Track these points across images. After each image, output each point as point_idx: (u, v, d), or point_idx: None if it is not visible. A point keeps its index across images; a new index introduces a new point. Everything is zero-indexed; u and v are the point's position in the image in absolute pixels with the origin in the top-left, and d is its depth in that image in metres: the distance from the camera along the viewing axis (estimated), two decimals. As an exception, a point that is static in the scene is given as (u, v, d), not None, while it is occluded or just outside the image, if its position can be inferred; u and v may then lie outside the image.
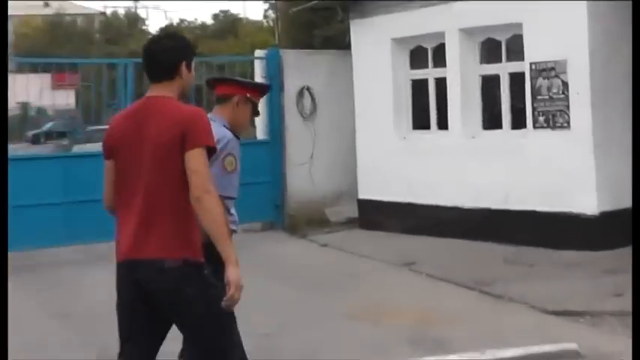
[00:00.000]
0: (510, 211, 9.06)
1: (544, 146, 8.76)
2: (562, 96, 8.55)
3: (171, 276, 3.37)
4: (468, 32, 9.54)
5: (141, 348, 3.48)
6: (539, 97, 8.77)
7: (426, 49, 10.23)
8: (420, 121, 10.50)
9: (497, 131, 9.47)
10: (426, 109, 10.31)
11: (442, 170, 9.77)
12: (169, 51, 3.57)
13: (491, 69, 9.54)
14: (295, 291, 7.50)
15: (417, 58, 10.48)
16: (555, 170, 8.61)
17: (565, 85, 8.50)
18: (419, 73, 10.41)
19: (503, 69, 9.33)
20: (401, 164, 10.24)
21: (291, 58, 11.62)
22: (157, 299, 3.40)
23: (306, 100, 11.59)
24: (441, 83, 9.94)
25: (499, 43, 9.36)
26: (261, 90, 4.23)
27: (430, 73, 10.20)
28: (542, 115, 8.76)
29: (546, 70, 8.65)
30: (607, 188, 8.43)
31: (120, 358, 3.51)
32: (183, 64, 3.59)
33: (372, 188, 10.55)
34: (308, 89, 11.62)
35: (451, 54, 9.65)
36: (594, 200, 8.40)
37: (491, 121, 9.77)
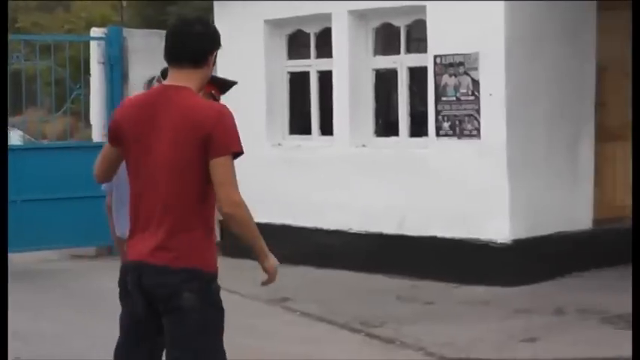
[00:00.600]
0: (407, 237, 9.27)
1: (449, 159, 9.00)
2: (472, 98, 8.84)
3: (177, 282, 3.82)
4: (359, 15, 9.73)
5: (132, 353, 4.00)
6: (444, 99, 9.03)
7: (307, 35, 10.37)
8: (300, 125, 10.61)
9: (393, 139, 9.69)
10: (306, 109, 10.44)
11: (325, 185, 9.90)
12: (203, 37, 3.96)
13: (387, 62, 9.76)
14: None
15: (297, 45, 10.60)
16: (461, 188, 8.87)
17: (476, 84, 8.79)
18: (298, 65, 10.53)
19: (402, 62, 9.56)
20: (274, 177, 10.31)
21: (137, 40, 11.53)
22: (157, 303, 3.86)
23: (157, 93, 11.50)
24: (326, 78, 10.09)
25: (397, 30, 9.59)
26: (224, 86, 4.60)
27: (312, 65, 10.35)
28: (448, 121, 9.03)
29: (454, 66, 8.92)
30: (522, 212, 8.76)
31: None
32: (214, 53, 4.01)
33: (238, 206, 10.54)
34: (159, 80, 11.52)
35: (338, 42, 9.82)
36: (507, 225, 8.70)
37: (386, 126, 9.99)
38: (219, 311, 3.97)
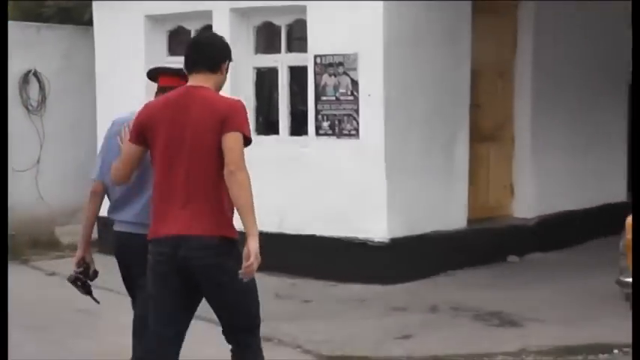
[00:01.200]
0: (285, 236, 9.32)
1: (328, 158, 9.10)
2: (351, 97, 8.95)
3: (212, 252, 4.45)
4: (240, 13, 9.74)
5: (169, 318, 4.57)
6: (323, 98, 9.12)
7: (188, 32, 10.33)
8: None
9: (273, 137, 9.73)
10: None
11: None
12: (218, 47, 4.72)
13: (267, 60, 9.80)
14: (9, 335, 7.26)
15: (178, 42, 10.54)
16: (340, 188, 8.97)
17: (355, 84, 8.90)
18: (179, 62, 10.29)
19: (283, 61, 9.62)
20: (153, 174, 10.23)
21: (12, 32, 11.26)
22: (196, 274, 4.47)
23: (33, 89, 11.31)
24: (207, 75, 10.05)
25: (278, 29, 9.65)
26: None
27: (193, 62, 10.30)
28: (327, 120, 9.12)
29: (333, 66, 9.02)
30: (399, 211, 8.90)
31: (150, 334, 4.62)
32: (226, 63, 4.73)
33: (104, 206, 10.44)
34: (35, 74, 11.34)
35: (220, 39, 9.80)
36: (384, 224, 8.84)
37: (266, 125, 10.03)
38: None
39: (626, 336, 6.83)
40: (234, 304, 4.63)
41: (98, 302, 5.42)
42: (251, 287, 4.67)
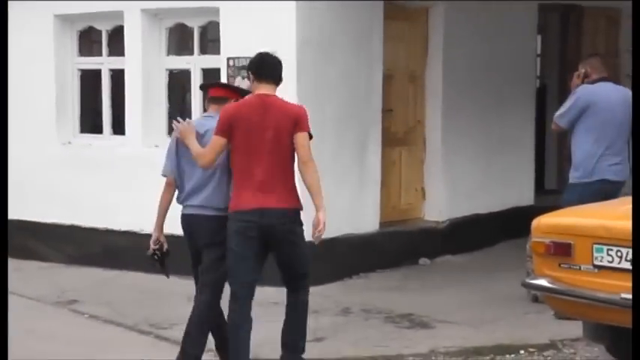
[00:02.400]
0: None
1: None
2: (264, 100, 8.94)
3: (289, 219, 5.95)
4: (152, 14, 9.68)
5: (252, 269, 6.09)
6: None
7: (99, 32, 10.22)
8: (91, 123, 10.45)
9: (187, 139, 9.68)
10: (98, 107, 10.29)
11: (116, 186, 9.80)
12: (280, 64, 6.13)
13: (180, 62, 9.76)
14: None
15: (89, 42, 10.43)
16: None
17: (267, 87, 8.90)
18: (90, 62, 10.37)
19: (196, 63, 9.58)
20: (64, 176, 10.11)
21: None
22: (274, 236, 5.94)
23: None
24: (119, 76, 9.98)
25: (191, 31, 9.61)
26: (244, 94, 6.35)
27: (104, 63, 10.21)
28: (240, 123, 9.10)
29: (246, 68, 9.00)
30: (312, 214, 8.88)
31: (237, 285, 6.13)
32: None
33: (26, 206, 10.29)
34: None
35: (131, 40, 9.73)
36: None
37: (180, 126, 9.96)
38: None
39: (532, 337, 7.01)
40: (299, 257, 6.12)
41: (168, 277, 6.67)
42: (306, 246, 6.15)
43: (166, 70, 9.79)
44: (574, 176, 7.51)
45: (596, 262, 5.64)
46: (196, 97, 9.58)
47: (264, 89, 5.99)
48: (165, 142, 9.72)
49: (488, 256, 10.27)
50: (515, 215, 10.42)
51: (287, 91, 8.70)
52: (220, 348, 6.49)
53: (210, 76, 9.47)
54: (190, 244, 6.38)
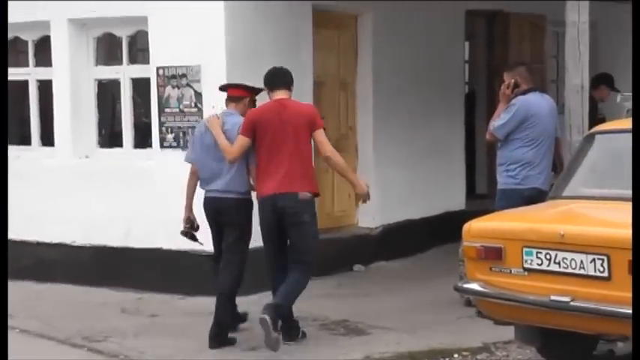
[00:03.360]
0: (132, 250, 9.21)
1: (173, 170, 8.96)
2: (195, 109, 8.91)
3: (299, 204, 7.03)
4: (80, 24, 9.56)
5: (279, 245, 7.21)
6: (167, 110, 9.05)
7: (25, 42, 10.08)
8: (19, 135, 10.29)
9: (117, 150, 9.60)
10: (26, 118, 10.14)
11: (45, 197, 9.67)
12: (288, 73, 7.31)
13: (109, 72, 9.67)
14: None
15: (15, 53, 10.27)
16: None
17: (198, 96, 8.87)
18: (17, 73, 10.20)
19: (125, 73, 9.49)
20: (-9, 189, 9.94)
21: None
22: (285, 218, 7.02)
23: None
24: (46, 87, 9.84)
25: (120, 41, 9.52)
26: (258, 91, 7.56)
27: (31, 74, 10.07)
28: (172, 133, 9.05)
29: (176, 78, 8.96)
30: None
31: (268, 256, 7.32)
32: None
33: (-48, 220, 10.11)
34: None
35: (58, 50, 9.61)
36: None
37: (110, 137, 9.87)
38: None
39: (465, 341, 7.06)
40: (308, 235, 7.11)
41: (202, 244, 7.59)
42: (313, 234, 7.18)
43: (95, 80, 9.68)
44: (507, 182, 7.59)
45: (526, 265, 5.70)
46: (127, 107, 9.49)
47: (278, 95, 7.18)
48: (96, 153, 9.72)
49: (421, 261, 10.34)
50: (447, 220, 10.50)
51: (217, 101, 8.76)
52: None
53: (141, 85, 9.40)
54: (212, 224, 7.38)
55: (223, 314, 7.22)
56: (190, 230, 7.54)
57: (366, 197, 7.35)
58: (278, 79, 7.24)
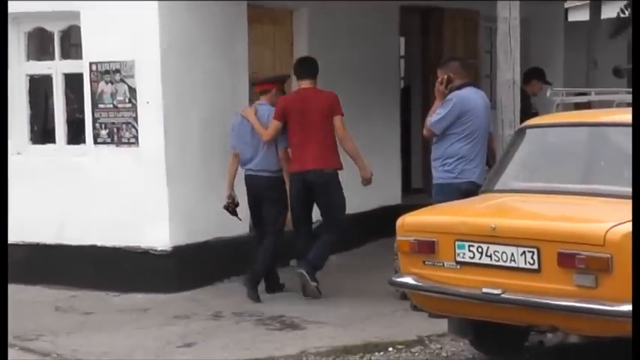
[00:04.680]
0: (65, 247, 9.10)
1: (108, 167, 8.95)
2: (129, 105, 8.82)
3: (326, 175, 8.33)
4: (11, 19, 9.35)
5: (304, 214, 8.54)
6: (101, 106, 8.95)
7: (-44, 38, 9.90)
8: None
9: (50, 147, 9.47)
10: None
11: (-22, 195, 9.50)
12: (314, 64, 8.58)
13: (41, 67, 9.51)
14: None
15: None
16: (121, 196, 8.85)
17: (132, 91, 8.78)
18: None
19: (57, 68, 9.35)
20: None
21: None
22: (315, 190, 8.34)
23: None
24: (-22, 83, 9.68)
25: (51, 36, 9.38)
26: (285, 80, 8.94)
27: (-37, 69, 9.89)
28: (106, 129, 8.96)
29: (110, 73, 8.87)
30: (181, 218, 8.86)
31: (295, 223, 8.60)
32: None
33: None
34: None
35: (-11, 46, 9.45)
36: (166, 233, 8.77)
37: (43, 133, 9.73)
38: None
39: (400, 334, 7.09)
40: (335, 201, 8.42)
41: (240, 219, 8.69)
42: (340, 198, 8.49)
43: (27, 75, 9.53)
44: (444, 177, 7.64)
45: (459, 259, 5.74)
46: (59, 102, 9.37)
47: (304, 84, 8.45)
48: (28, 149, 9.58)
49: (357, 256, 10.36)
50: (383, 215, 10.52)
51: (151, 96, 8.71)
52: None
53: (74, 81, 9.28)
54: (250, 199, 8.57)
55: (261, 267, 8.48)
56: (231, 205, 8.58)
57: (368, 182, 8.54)
58: (305, 69, 8.48)
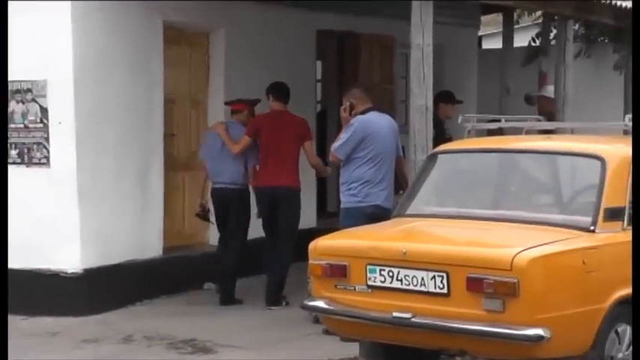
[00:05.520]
0: (-27, 269, 8.89)
1: (18, 187, 8.76)
2: (40, 125, 8.70)
3: (288, 192, 8.91)
4: None
5: (270, 226, 9.09)
6: (12, 126, 8.79)
7: None
8: None
9: (-42, 166, 9.26)
10: None
11: None
12: (289, 90, 9.18)
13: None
14: None
15: None
16: (32, 218, 8.72)
17: (44, 111, 8.66)
18: None
19: (-32, 87, 9.18)
20: None
21: None
22: (280, 205, 8.92)
23: None
24: None
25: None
26: (256, 104, 9.43)
27: None
28: (16, 149, 8.82)
29: (21, 92, 8.74)
30: (93, 240, 8.74)
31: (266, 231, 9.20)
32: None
33: None
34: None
35: None
36: (77, 255, 8.64)
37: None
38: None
39: (312, 358, 7.09)
40: (289, 220, 8.97)
41: (213, 223, 9.43)
42: (297, 217, 9.08)
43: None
44: (350, 201, 7.72)
45: (370, 283, 5.77)
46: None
47: (278, 106, 9.02)
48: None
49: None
50: (299, 238, 10.44)
51: (64, 116, 8.59)
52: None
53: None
54: (218, 211, 9.18)
55: (226, 284, 9.17)
56: (202, 212, 9.35)
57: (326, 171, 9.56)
58: (281, 93, 9.07)
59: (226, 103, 9.60)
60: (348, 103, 7.92)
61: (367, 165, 7.67)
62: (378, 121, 7.85)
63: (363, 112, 7.82)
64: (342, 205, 7.83)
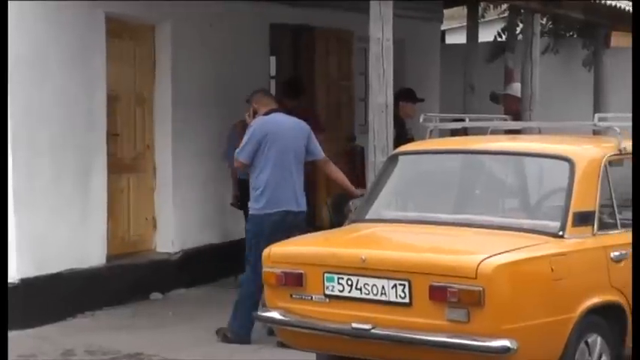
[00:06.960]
0: None
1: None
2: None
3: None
4: None
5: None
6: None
7: None
8: None
9: None
10: None
11: None
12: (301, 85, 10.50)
13: None
14: None
15: None
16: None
17: (-22, 111, 8.56)
18: None
19: None
20: None
21: None
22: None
23: None
24: None
25: None
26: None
27: None
28: (-53, 149, 8.71)
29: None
30: (29, 249, 8.64)
31: None
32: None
33: None
34: None
35: None
36: (13, 264, 8.52)
37: None
38: None
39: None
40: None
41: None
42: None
43: None
44: (255, 207, 7.81)
45: (328, 292, 5.77)
46: None
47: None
48: None
49: (224, 288, 10.29)
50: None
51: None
52: None
53: None
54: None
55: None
56: (237, 202, 10.15)
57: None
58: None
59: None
60: (251, 109, 8.23)
61: (271, 168, 7.78)
62: (280, 120, 8.04)
63: (266, 114, 8.03)
64: (250, 212, 7.99)
